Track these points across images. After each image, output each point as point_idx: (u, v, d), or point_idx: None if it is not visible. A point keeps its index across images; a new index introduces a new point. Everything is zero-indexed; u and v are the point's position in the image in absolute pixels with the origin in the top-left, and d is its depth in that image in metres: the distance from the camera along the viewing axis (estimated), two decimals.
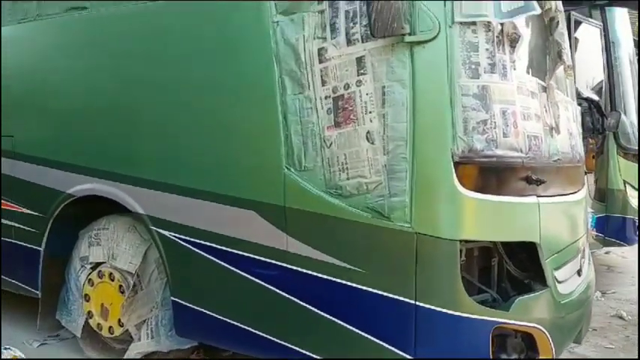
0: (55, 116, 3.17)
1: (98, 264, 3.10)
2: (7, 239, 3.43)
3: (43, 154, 3.19)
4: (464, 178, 2.06)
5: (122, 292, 2.95)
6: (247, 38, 2.44)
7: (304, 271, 2.32)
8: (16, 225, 3.36)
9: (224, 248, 2.53)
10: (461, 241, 2.10)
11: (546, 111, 2.39)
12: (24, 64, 3.32)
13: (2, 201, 3.43)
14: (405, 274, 2.12)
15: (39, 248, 3.21)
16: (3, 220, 3.43)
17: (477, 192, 2.08)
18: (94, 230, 3.11)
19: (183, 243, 2.66)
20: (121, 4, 2.82)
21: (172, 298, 2.75)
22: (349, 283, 2.23)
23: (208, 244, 2.57)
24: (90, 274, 3.11)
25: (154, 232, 2.75)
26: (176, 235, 2.68)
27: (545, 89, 2.43)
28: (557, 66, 2.48)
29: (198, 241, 2.60)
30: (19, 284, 3.40)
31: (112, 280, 2.99)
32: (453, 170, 2.05)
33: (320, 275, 2.29)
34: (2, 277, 3.50)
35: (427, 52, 2.06)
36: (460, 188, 2.06)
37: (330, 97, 2.23)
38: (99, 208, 3.07)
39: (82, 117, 3.03)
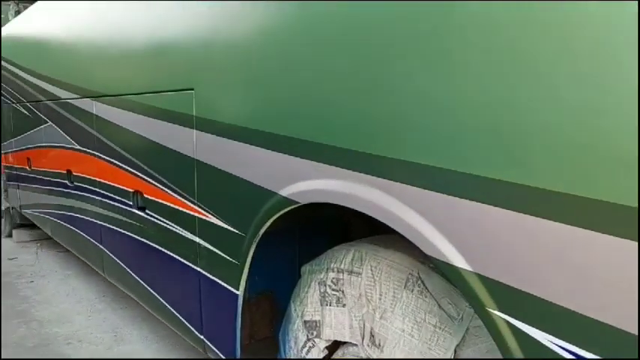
0: (276, 59, 1.54)
1: (338, 344, 1.52)
2: (186, 261, 2.06)
3: (247, 123, 1.66)
4: None
5: None
6: None
7: None
8: (202, 244, 1.95)
9: None
10: None
11: None
12: None
13: (176, 198, 2.06)
14: None
15: (235, 291, 1.75)
16: (178, 231, 2.07)
17: None
18: (330, 271, 1.53)
19: None
20: None
21: None
22: None
23: None
24: None
25: (498, 323, 1.02)
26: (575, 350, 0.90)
27: None
28: None
29: None
30: (205, 341, 2.01)
31: None
32: None
33: None
34: (180, 317, 2.18)
35: None
36: None
37: None
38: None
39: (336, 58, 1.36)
